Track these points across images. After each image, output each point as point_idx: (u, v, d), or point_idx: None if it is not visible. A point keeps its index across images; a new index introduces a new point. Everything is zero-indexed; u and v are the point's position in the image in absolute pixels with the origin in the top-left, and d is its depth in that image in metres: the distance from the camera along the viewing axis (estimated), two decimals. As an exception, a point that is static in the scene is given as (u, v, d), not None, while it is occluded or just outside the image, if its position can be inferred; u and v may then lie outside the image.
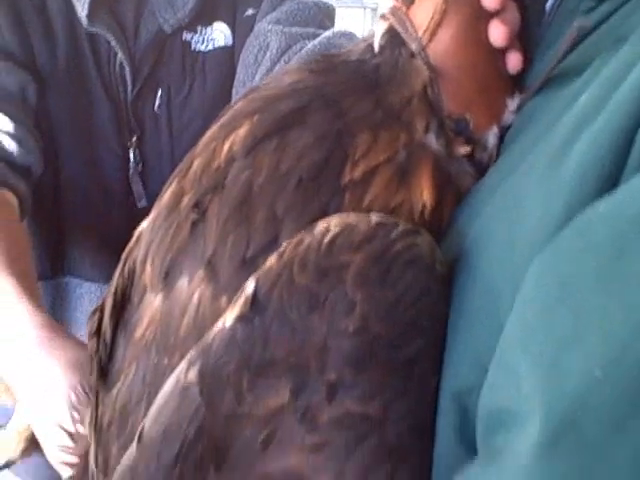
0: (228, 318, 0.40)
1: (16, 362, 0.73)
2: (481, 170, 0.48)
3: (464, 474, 0.34)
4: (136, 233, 0.54)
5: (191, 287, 0.45)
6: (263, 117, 0.47)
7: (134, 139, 1.06)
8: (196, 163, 0.48)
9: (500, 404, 0.33)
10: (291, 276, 0.39)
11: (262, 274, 0.40)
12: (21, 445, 0.71)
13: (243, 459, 0.41)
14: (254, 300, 0.39)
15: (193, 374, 0.40)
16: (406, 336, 0.38)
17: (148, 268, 0.49)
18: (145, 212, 1.01)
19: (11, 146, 0.94)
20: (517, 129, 0.47)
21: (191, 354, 0.41)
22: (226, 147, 0.47)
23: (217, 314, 0.43)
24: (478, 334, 0.38)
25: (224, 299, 0.44)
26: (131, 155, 1.06)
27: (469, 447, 0.38)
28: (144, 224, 0.53)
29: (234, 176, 0.45)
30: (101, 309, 0.53)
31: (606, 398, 0.26)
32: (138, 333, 0.49)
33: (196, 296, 0.45)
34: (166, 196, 0.50)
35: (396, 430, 0.39)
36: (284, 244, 0.41)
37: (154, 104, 1.05)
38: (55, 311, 1.08)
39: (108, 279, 1.04)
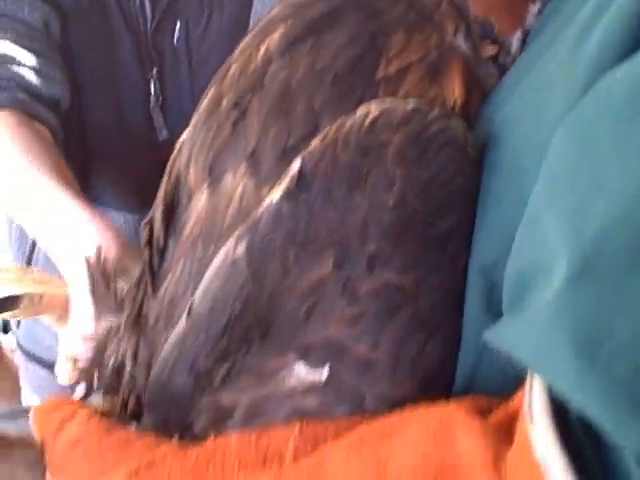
0: (275, 195, 0.43)
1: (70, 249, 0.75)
2: (504, 73, 0.51)
3: (492, 330, 0.37)
4: (178, 144, 0.56)
5: (235, 181, 0.48)
6: (296, 21, 0.50)
7: (154, 72, 1.08)
8: (233, 67, 0.51)
9: (527, 264, 0.36)
10: (334, 154, 0.42)
11: (307, 154, 0.43)
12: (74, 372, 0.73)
13: (286, 330, 0.44)
14: (300, 177, 0.42)
15: (241, 249, 0.44)
16: (440, 213, 0.41)
17: (192, 170, 0.51)
18: (166, 144, 1.04)
19: (37, 80, 0.96)
20: (535, 30, 0.50)
21: (239, 231, 0.44)
22: (262, 50, 0.49)
23: (257, 208, 0.46)
24: (505, 210, 0.41)
25: (266, 189, 0.46)
26: (152, 88, 1.09)
27: (495, 317, 0.41)
28: (185, 134, 0.56)
29: (271, 75, 0.48)
30: (151, 220, 0.56)
31: (626, 236, 0.29)
32: (186, 232, 0.52)
33: (239, 189, 0.48)
34: (205, 102, 0.52)
35: (429, 302, 0.42)
36: (325, 131, 0.43)
37: (173, 37, 1.07)
38: None
39: (131, 208, 1.09)
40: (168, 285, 0.53)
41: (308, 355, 0.45)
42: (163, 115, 1.10)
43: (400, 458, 0.38)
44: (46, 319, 0.71)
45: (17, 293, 0.69)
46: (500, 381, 0.41)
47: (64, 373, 0.73)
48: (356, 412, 0.45)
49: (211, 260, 0.48)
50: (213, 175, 0.50)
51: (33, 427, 0.56)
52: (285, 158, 0.46)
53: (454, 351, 0.45)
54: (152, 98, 1.10)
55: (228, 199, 0.48)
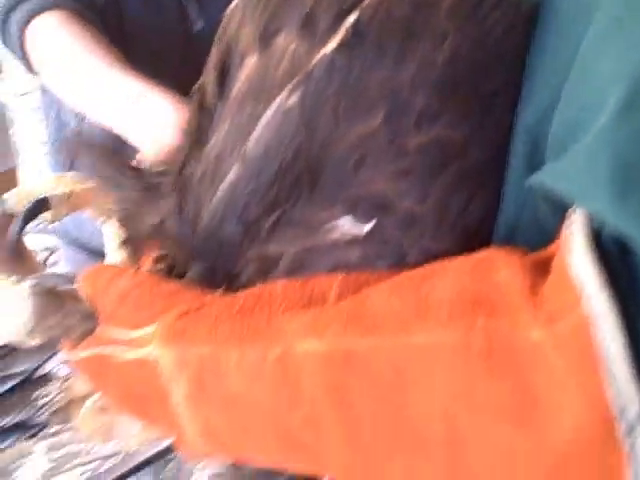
0: (329, 47, 0.44)
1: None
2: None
3: (535, 175, 0.39)
4: (228, 10, 0.57)
5: (287, 42, 0.49)
6: None
7: None
8: None
9: (575, 113, 0.37)
10: (389, 8, 0.43)
11: (362, 8, 0.44)
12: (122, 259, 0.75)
13: (334, 182, 0.46)
14: (354, 30, 0.43)
15: (294, 99, 0.45)
16: (490, 70, 0.43)
17: (244, 33, 0.53)
18: (200, 36, 1.04)
19: None
20: None
21: (292, 83, 0.46)
22: None
23: (309, 64, 0.47)
24: (554, 67, 0.42)
25: (317, 50, 0.48)
26: None
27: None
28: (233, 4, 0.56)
29: None
30: (202, 85, 0.57)
31: None
32: (234, 92, 0.53)
33: (292, 48, 0.49)
34: None
35: (476, 158, 0.44)
36: None
37: None
38: None
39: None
40: (215, 142, 0.54)
41: (355, 209, 0.47)
42: (198, 6, 1.10)
43: (440, 292, 0.41)
44: (87, 211, 0.74)
45: (44, 196, 0.71)
46: (538, 239, 0.43)
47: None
48: (397, 267, 0.47)
49: (262, 115, 0.50)
50: (266, 36, 0.51)
51: (80, 286, 0.59)
52: (340, 20, 0.47)
53: (495, 209, 0.46)
54: None
55: (279, 58, 0.49)
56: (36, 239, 2.32)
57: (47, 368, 0.80)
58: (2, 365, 0.80)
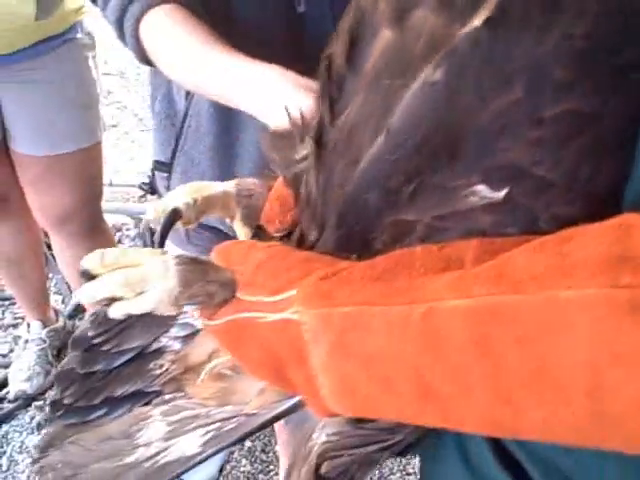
0: (475, 23, 0.48)
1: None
2: None
3: None
4: None
5: (425, 17, 0.53)
6: None
7: None
8: None
9: None
10: None
11: (506, -15, 0.47)
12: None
13: (473, 151, 0.50)
14: (500, 6, 0.47)
15: (439, 73, 0.49)
16: (628, 41, 0.46)
17: (382, 5, 0.56)
18: (302, 17, 1.09)
19: None
20: None
21: (436, 58, 0.50)
22: None
23: (450, 39, 0.51)
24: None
25: (457, 26, 0.51)
26: None
27: None
28: None
29: None
30: (330, 55, 0.61)
31: None
32: (369, 65, 0.57)
33: (430, 24, 0.53)
34: None
35: (609, 127, 0.47)
36: None
37: None
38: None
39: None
40: (349, 114, 0.59)
41: (490, 177, 0.51)
42: None
43: (582, 252, 0.44)
44: (214, 214, 0.80)
45: (173, 206, 0.78)
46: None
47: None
48: (527, 232, 0.51)
49: (399, 89, 0.54)
50: (402, 12, 0.54)
51: (217, 258, 0.64)
52: None
53: (624, 177, 0.50)
54: None
55: (417, 35, 0.53)
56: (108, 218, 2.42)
57: (161, 343, 0.85)
58: (117, 341, 0.86)
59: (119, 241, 3.10)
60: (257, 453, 2.31)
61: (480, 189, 0.51)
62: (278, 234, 0.75)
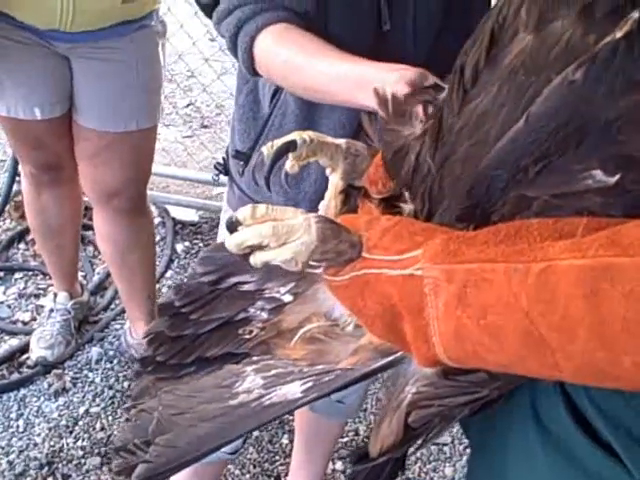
0: (615, 35, 0.58)
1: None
2: None
3: None
4: (498, 4, 0.72)
5: (563, 27, 0.64)
6: None
7: None
8: None
9: None
10: None
11: (643, 19, 0.58)
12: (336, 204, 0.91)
13: (597, 140, 0.60)
14: (638, 23, 0.57)
15: (579, 73, 0.60)
16: None
17: (523, 14, 0.67)
18: (386, 35, 1.21)
19: (290, 0, 1.22)
20: None
21: (579, 61, 0.60)
22: None
23: (585, 48, 0.62)
24: None
25: (592, 37, 0.62)
26: None
27: None
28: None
29: None
30: (466, 50, 0.72)
31: None
32: (506, 61, 0.68)
33: (568, 33, 0.63)
34: None
35: None
36: None
37: None
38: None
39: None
40: (481, 101, 0.69)
41: (606, 163, 0.61)
42: (389, 9, 1.28)
43: None
44: (320, 159, 0.90)
45: (292, 138, 0.88)
46: None
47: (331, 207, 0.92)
48: (629, 215, 0.61)
49: (532, 85, 0.64)
50: (543, 21, 0.65)
51: (344, 224, 0.74)
52: (615, 13, 0.61)
53: None
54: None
55: (555, 40, 0.64)
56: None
57: (248, 313, 0.95)
58: (204, 311, 0.96)
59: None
60: (264, 443, 2.40)
61: (596, 173, 0.61)
62: (378, 196, 0.85)
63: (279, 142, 0.86)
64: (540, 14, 0.66)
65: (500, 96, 0.67)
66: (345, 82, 1.09)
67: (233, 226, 0.73)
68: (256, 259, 0.73)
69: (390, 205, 0.85)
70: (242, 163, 1.48)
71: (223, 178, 1.62)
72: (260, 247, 0.72)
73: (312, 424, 2.05)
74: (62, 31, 1.97)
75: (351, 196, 0.91)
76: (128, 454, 0.92)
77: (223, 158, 1.59)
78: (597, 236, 0.59)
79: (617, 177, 0.61)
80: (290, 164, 0.88)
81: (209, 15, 1.33)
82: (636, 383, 0.58)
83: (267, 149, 0.85)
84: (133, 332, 2.65)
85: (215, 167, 1.60)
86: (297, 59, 1.17)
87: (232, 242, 0.73)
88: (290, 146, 0.85)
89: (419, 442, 0.80)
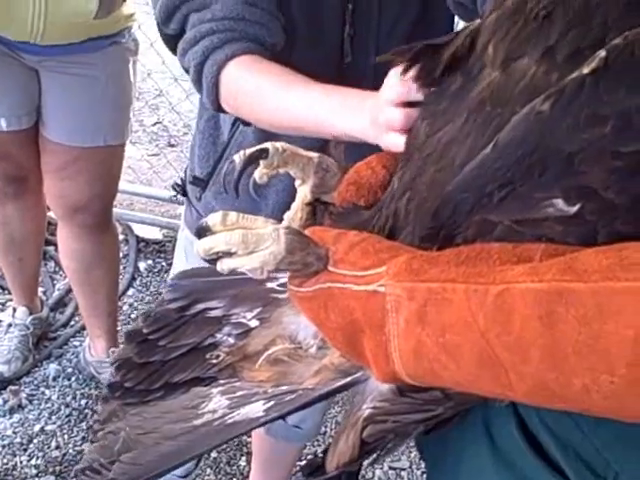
0: (583, 70, 0.61)
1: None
2: None
3: None
4: (469, 28, 0.75)
5: (528, 64, 0.66)
6: None
7: (350, 7, 1.29)
8: None
9: None
10: (632, 50, 0.60)
11: (611, 47, 0.61)
12: (301, 216, 0.93)
13: (559, 170, 0.63)
14: (604, 61, 0.60)
15: (547, 105, 0.62)
16: None
17: (490, 51, 0.70)
18: (348, 66, 1.25)
19: (261, 31, 1.23)
20: None
21: (545, 95, 0.63)
22: None
23: (548, 86, 0.64)
24: None
25: (555, 75, 0.65)
26: (347, 20, 1.30)
27: None
28: (476, 22, 0.74)
29: None
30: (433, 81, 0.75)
31: None
32: (473, 94, 0.70)
33: (532, 70, 0.66)
34: (508, 3, 0.70)
35: None
36: (626, 33, 0.61)
37: None
38: None
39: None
40: (449, 130, 0.72)
41: (568, 193, 0.63)
42: (351, 44, 1.31)
43: (637, 255, 0.57)
44: (291, 170, 0.91)
45: (265, 146, 0.89)
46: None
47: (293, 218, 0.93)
48: (587, 244, 0.63)
49: (497, 116, 0.67)
50: (508, 60, 0.68)
51: (311, 237, 0.76)
52: (576, 55, 0.64)
53: None
54: (346, 29, 1.31)
55: (521, 75, 0.67)
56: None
57: (216, 338, 0.97)
58: (172, 338, 0.98)
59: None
60: (222, 465, 2.39)
61: (557, 202, 0.63)
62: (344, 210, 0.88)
63: (252, 149, 0.87)
64: (506, 53, 0.69)
65: (467, 126, 0.70)
66: (321, 108, 1.09)
67: (203, 231, 0.74)
68: (223, 265, 0.74)
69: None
70: (199, 189, 1.49)
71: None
72: (228, 254, 0.73)
73: (270, 447, 2.05)
74: (32, 44, 1.98)
75: (317, 210, 0.92)
76: (93, 473, 0.93)
77: (182, 179, 1.61)
78: (554, 261, 0.61)
79: (577, 207, 0.63)
80: (260, 173, 0.89)
81: (173, 48, 1.32)
82: (585, 405, 0.60)
83: (239, 156, 0.86)
84: (92, 349, 2.63)
85: (173, 188, 1.61)
86: (268, 87, 1.18)
87: (201, 247, 0.74)
88: (262, 154, 0.87)
89: (373, 457, 0.82)
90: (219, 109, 1.27)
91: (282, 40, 1.26)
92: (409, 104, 0.87)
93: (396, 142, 0.90)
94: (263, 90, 1.18)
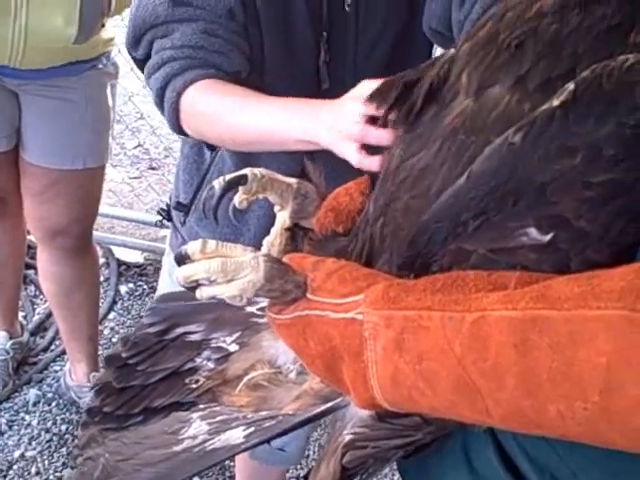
0: (553, 103, 0.62)
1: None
2: None
3: None
4: (444, 57, 0.76)
5: (501, 93, 0.68)
6: None
7: (325, 35, 1.31)
8: (509, 15, 0.71)
9: None
10: (600, 83, 0.61)
11: (579, 80, 0.62)
12: (280, 241, 0.94)
13: (532, 200, 0.64)
14: (573, 94, 0.62)
15: (518, 137, 0.63)
16: None
17: (464, 79, 0.71)
18: (328, 91, 1.26)
19: (220, 60, 1.25)
20: None
21: (516, 126, 0.64)
22: (535, 7, 0.69)
23: (520, 114, 0.66)
24: None
25: (527, 105, 0.66)
26: (322, 47, 1.31)
27: None
28: (451, 51, 0.76)
29: (545, 26, 0.67)
30: (405, 83, 0.77)
31: None
32: (447, 121, 0.72)
33: (505, 99, 0.67)
34: (482, 33, 0.72)
35: (638, 196, 0.62)
36: (593, 66, 0.63)
37: (344, 3, 1.29)
38: None
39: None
40: (423, 156, 0.73)
41: (540, 222, 0.64)
42: (327, 70, 1.33)
43: (610, 284, 0.58)
44: (270, 195, 0.92)
45: (243, 172, 0.90)
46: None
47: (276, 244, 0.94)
48: (560, 271, 0.65)
49: (469, 147, 0.68)
50: (481, 88, 0.70)
51: (290, 264, 0.76)
52: (547, 85, 0.66)
53: None
54: (321, 56, 1.32)
55: (494, 105, 0.68)
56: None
57: (195, 363, 0.97)
58: (151, 362, 0.98)
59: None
60: (208, 489, 2.38)
61: (531, 231, 0.65)
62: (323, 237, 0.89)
63: (231, 175, 0.88)
64: (480, 82, 0.70)
65: (441, 153, 0.71)
66: (277, 118, 1.12)
67: (182, 259, 0.75)
68: (202, 293, 0.75)
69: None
70: (182, 214, 1.50)
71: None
72: (208, 281, 0.74)
73: (253, 471, 2.04)
74: (12, 67, 1.98)
75: (297, 235, 0.93)
76: (73, 500, 0.93)
77: (167, 204, 1.61)
78: (528, 289, 0.62)
79: (550, 236, 0.64)
80: (239, 199, 0.89)
81: (142, 70, 1.35)
82: (560, 431, 0.61)
83: (218, 182, 0.87)
84: (73, 374, 2.61)
85: (159, 213, 1.62)
86: (227, 106, 1.20)
87: (181, 274, 0.74)
88: (241, 180, 0.88)
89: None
90: (180, 132, 1.29)
91: (245, 69, 1.28)
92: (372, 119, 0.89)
93: (349, 152, 0.93)
94: (221, 109, 1.20)
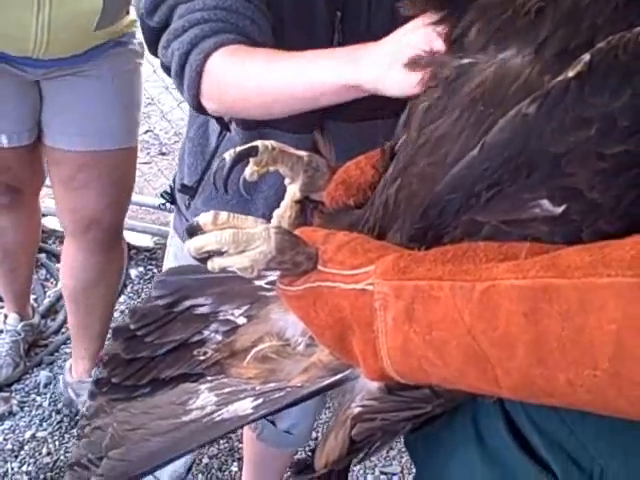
0: (568, 74, 0.62)
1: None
2: None
3: None
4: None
5: (522, 64, 0.68)
6: None
7: (339, 15, 1.30)
8: None
9: None
10: (616, 54, 0.61)
11: (595, 50, 0.62)
12: (290, 214, 0.94)
13: (546, 171, 0.64)
14: (589, 65, 0.61)
15: (533, 107, 0.63)
16: None
17: (473, 32, 0.72)
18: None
19: (252, 28, 1.21)
20: None
21: (531, 97, 0.64)
22: None
23: (541, 86, 0.66)
24: None
25: (547, 77, 0.66)
26: (336, 27, 1.31)
27: None
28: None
29: None
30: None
31: None
32: (466, 89, 0.72)
33: (526, 71, 0.67)
34: None
35: None
36: (609, 38, 0.62)
37: None
38: None
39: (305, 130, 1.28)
40: (441, 124, 0.73)
41: (554, 194, 0.65)
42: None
43: (620, 252, 0.59)
44: (281, 168, 0.92)
45: (255, 144, 0.90)
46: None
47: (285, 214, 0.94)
48: (572, 243, 0.65)
49: (490, 116, 0.68)
50: (495, 45, 0.69)
51: (301, 237, 0.77)
52: (563, 55, 0.65)
53: None
54: (335, 36, 1.32)
55: (514, 76, 0.68)
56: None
57: (203, 335, 0.98)
58: (159, 334, 0.98)
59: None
60: (214, 471, 2.39)
61: (544, 203, 0.65)
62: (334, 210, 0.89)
63: (242, 147, 0.88)
64: (490, 41, 0.71)
65: (460, 122, 0.71)
66: (309, 68, 1.07)
67: (194, 230, 0.75)
68: (214, 264, 0.75)
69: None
70: (187, 197, 1.49)
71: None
72: (219, 253, 0.74)
73: (261, 453, 2.05)
74: (35, 58, 1.92)
75: (306, 208, 0.93)
76: (81, 468, 0.94)
77: (170, 187, 1.61)
78: (538, 259, 0.63)
79: (563, 207, 0.64)
80: (250, 171, 0.89)
81: (152, 41, 1.29)
82: (570, 400, 0.62)
83: (229, 154, 0.87)
84: (73, 370, 2.53)
85: (162, 196, 1.61)
86: (255, 64, 1.15)
87: (192, 245, 0.75)
88: (252, 151, 0.88)
89: (361, 455, 0.82)
90: (198, 106, 1.23)
91: (270, 41, 1.25)
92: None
93: (398, 77, 0.90)
94: (248, 68, 1.15)
